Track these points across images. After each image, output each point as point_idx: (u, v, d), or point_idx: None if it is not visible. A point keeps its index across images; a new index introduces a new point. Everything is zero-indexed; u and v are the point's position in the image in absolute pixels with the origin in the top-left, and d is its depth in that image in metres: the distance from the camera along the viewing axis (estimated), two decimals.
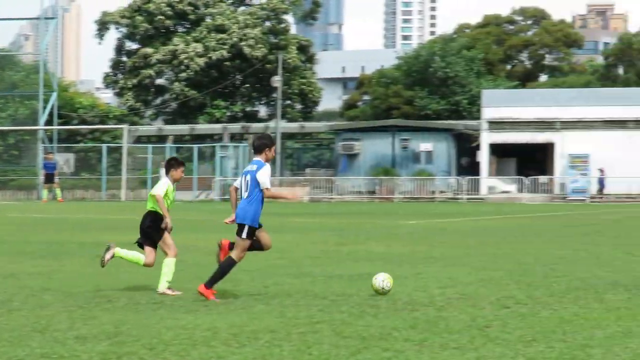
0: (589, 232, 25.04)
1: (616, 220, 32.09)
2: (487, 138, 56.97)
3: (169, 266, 12.20)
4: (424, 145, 59.67)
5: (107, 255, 12.37)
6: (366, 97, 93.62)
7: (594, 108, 55.34)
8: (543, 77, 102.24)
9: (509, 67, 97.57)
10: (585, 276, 14.26)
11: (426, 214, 37.13)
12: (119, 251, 12.45)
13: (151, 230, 12.28)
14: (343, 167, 61.18)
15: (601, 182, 54.22)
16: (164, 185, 12.35)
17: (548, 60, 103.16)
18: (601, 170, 54.06)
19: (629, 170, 53.64)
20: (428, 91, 77.35)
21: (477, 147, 58.23)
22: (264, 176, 11.47)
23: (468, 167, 60.02)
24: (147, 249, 12.36)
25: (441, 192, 56.77)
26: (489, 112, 56.99)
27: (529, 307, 11.16)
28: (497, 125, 56.74)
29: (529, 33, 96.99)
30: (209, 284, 11.49)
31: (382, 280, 12.12)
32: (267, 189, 11.47)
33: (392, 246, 20.26)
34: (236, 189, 11.83)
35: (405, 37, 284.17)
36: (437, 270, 15.32)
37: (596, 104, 55.39)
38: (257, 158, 11.67)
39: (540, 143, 56.94)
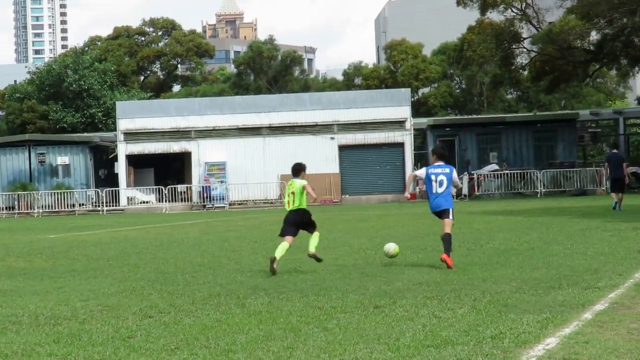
0: (228, 239, 25.60)
1: (255, 225, 33.05)
2: (123, 149, 56.72)
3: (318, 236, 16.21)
4: (61, 158, 58.41)
5: (274, 265, 15.23)
6: (0, 113, 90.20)
7: (228, 116, 56.76)
8: (176, 87, 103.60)
9: (142, 78, 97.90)
10: (226, 282, 14.58)
11: (67, 227, 36.42)
12: (278, 255, 15.45)
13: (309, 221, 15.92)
14: None
15: (206, 191, 54.99)
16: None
17: (181, 70, 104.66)
18: (206, 179, 55.27)
19: (264, 176, 55.68)
20: (62, 105, 75.95)
21: (115, 159, 57.86)
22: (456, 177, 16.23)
23: (106, 178, 59.48)
24: (290, 238, 15.79)
25: (81, 204, 55.89)
26: (124, 124, 56.76)
27: (171, 315, 11.26)
28: (132, 136, 56.65)
29: (161, 44, 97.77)
30: (447, 252, 15.34)
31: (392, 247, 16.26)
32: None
33: (33, 261, 19.74)
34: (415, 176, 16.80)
35: (37, 52, 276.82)
36: (79, 283, 15.10)
37: (230, 112, 56.83)
38: (440, 162, 16.24)
39: (176, 152, 57.54)
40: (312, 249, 16.08)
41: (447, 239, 15.54)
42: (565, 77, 58.43)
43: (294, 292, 12.90)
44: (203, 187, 55.37)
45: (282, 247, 15.73)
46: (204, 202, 54.96)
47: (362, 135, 56.04)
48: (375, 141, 55.91)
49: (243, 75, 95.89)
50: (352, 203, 54.07)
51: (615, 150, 35.12)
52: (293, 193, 15.92)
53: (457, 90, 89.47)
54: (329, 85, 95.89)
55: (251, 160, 56.33)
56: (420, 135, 61.69)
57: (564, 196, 49.92)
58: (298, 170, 16.35)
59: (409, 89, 62.09)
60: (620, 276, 13.33)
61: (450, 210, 15.83)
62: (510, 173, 52.85)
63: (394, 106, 56.24)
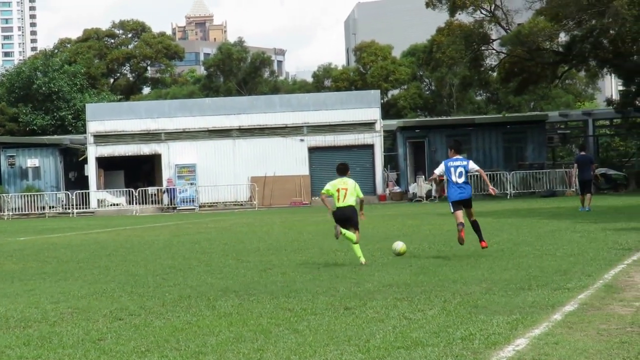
0: (199, 240, 25.54)
1: (225, 227, 33.00)
2: (93, 152, 56.46)
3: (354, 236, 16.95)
4: (30, 161, 58.08)
5: (337, 230, 16.61)
6: None
7: (198, 118, 56.65)
8: (146, 89, 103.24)
9: (112, 80, 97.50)
10: (197, 284, 14.54)
11: (37, 230, 36.19)
12: (345, 232, 16.66)
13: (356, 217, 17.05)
14: None
15: (171, 193, 55.01)
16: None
17: (150, 72, 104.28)
18: (169, 181, 55.25)
19: (235, 178, 55.61)
20: (32, 107, 75.53)
21: (85, 161, 57.58)
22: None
23: (77, 181, 59.19)
24: (354, 229, 16.89)
25: (51, 207, 55.59)
26: (94, 126, 56.50)
27: (142, 317, 11.21)
28: (102, 138, 56.40)
29: (130, 46, 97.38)
30: (482, 238, 17.72)
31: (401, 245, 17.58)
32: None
33: (3, 264, 19.65)
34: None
35: (7, 54, 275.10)
36: (49, 285, 15.02)
37: (200, 114, 56.73)
38: (457, 156, 18.00)
39: (147, 154, 57.35)
40: (360, 257, 16.79)
41: (477, 226, 17.71)
42: (534, 78, 58.71)
43: (264, 294, 12.88)
44: (167, 189, 55.19)
45: (355, 249, 16.92)
46: (169, 204, 54.79)
47: (331, 137, 56.13)
48: (345, 143, 56.02)
49: (213, 77, 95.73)
50: (322, 205, 54.02)
51: (583, 152, 35.35)
52: (346, 189, 17.02)
53: (427, 92, 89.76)
54: (299, 87, 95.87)
55: (221, 162, 56.27)
56: (390, 136, 61.85)
57: (534, 197, 50.21)
58: (345, 169, 17.55)
59: (379, 91, 62.26)
60: (590, 277, 13.41)
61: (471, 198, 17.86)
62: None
63: (364, 108, 56.39)
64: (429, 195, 51.90)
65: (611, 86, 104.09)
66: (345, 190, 17.00)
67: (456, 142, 18.82)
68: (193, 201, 54.89)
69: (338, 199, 17.06)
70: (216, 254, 20.46)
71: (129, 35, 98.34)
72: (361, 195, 17.34)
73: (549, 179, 53.00)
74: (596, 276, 13.51)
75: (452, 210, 17.60)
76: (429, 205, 47.09)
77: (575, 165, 35.20)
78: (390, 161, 60.14)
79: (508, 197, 51.42)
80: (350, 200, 16.98)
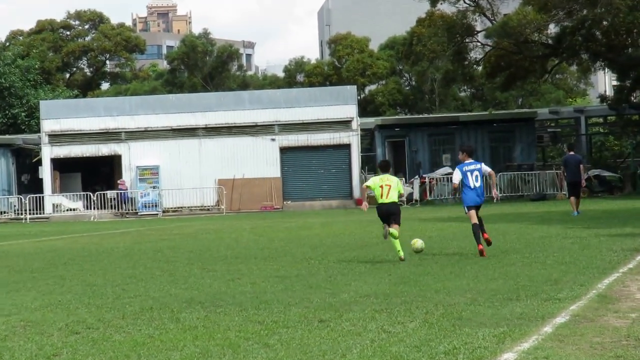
0: (162, 248, 25.47)
1: (190, 234, 32.93)
2: (48, 152, 56.18)
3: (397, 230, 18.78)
4: None
5: (385, 230, 18.70)
6: None
7: (161, 116, 56.48)
8: (105, 85, 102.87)
9: (67, 75, 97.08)
10: (160, 295, 14.50)
11: None
12: (392, 231, 18.43)
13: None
14: None
15: (123, 196, 54.83)
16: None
17: (109, 66, 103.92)
18: (121, 183, 55.10)
19: (201, 181, 55.48)
20: None
21: (39, 163, 57.29)
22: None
23: (30, 184, 58.88)
24: (396, 225, 18.69)
25: (2, 212, 55.28)
26: (48, 125, 56.22)
27: (100, 331, 11.16)
28: (58, 138, 56.12)
29: (87, 38, 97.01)
30: (484, 230, 19.15)
31: (420, 243, 19.00)
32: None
33: None
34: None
35: None
36: (0, 297, 14.91)
37: (163, 112, 56.56)
38: (470, 159, 19.36)
39: (106, 155, 57.14)
40: (400, 251, 18.45)
41: (481, 222, 18.98)
42: (522, 73, 58.92)
43: (232, 306, 12.85)
44: (118, 193, 54.94)
45: (395, 244, 18.54)
46: (121, 209, 54.54)
47: (305, 136, 56.15)
48: (319, 143, 56.05)
49: (177, 72, 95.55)
50: (295, 209, 54.12)
51: (572, 152, 35.49)
52: (389, 186, 18.87)
53: (407, 88, 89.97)
54: (270, 82, 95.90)
55: (186, 163, 56.15)
56: (367, 136, 61.95)
57: (522, 201, 50.42)
58: (387, 166, 19.77)
59: (355, 86, 62.30)
60: (582, 287, 13.46)
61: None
62: None
63: (339, 105, 56.43)
64: (409, 199, 52.01)
65: (604, 81, 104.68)
66: (388, 187, 18.85)
67: (469, 145, 20.77)
68: (156, 206, 54.75)
69: (381, 196, 18.84)
70: (180, 262, 20.41)
71: (86, 27, 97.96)
72: (402, 192, 19.32)
73: (538, 181, 53.26)
74: (589, 285, 13.57)
75: (467, 211, 19.12)
76: (410, 209, 47.19)
77: (563, 166, 35.36)
78: (368, 162, 60.23)
79: (495, 200, 51.59)
80: (393, 196, 18.86)
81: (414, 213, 40.72)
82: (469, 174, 19.04)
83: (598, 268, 15.70)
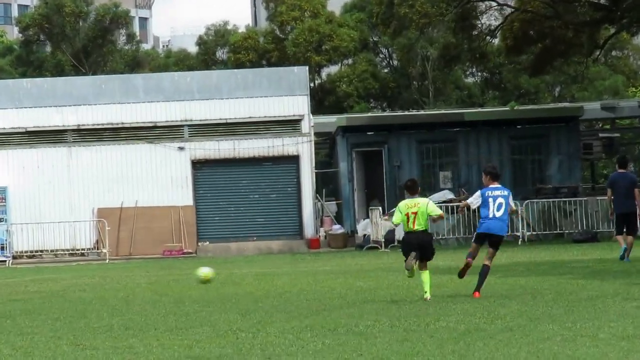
0: (12, 314, 25.28)
1: (56, 292, 32.74)
2: None
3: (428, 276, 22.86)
4: None
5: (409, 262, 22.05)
6: None
7: (10, 112, 56.29)
8: None
9: None
10: None
11: None
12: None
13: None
14: None
15: None
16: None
17: None
18: None
19: (71, 210, 55.23)
20: None
21: None
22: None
23: None
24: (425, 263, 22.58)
25: None
26: None
27: None
28: None
29: None
30: (479, 289, 22.69)
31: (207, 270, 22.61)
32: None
33: None
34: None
35: None
36: None
37: (13, 106, 56.42)
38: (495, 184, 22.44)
39: None
40: (427, 292, 22.36)
41: (484, 274, 22.33)
42: (562, 47, 59.16)
43: None
44: None
45: (424, 281, 22.35)
46: None
47: (229, 143, 56.10)
48: (251, 153, 56.10)
49: (33, 44, 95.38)
50: (215, 254, 54.05)
51: (622, 170, 35.61)
52: (415, 213, 21.89)
53: (385, 71, 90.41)
54: (176, 61, 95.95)
55: (49, 184, 55.91)
56: (326, 142, 62.07)
57: (562, 242, 50.63)
58: (415, 187, 22.59)
59: (306, 68, 62.26)
60: None
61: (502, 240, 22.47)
62: None
63: (283, 96, 56.57)
64: (389, 239, 51.92)
65: None
66: (414, 215, 21.84)
67: (493, 166, 23.92)
68: (3, 248, 54.42)
69: (407, 224, 22.01)
70: (41, 335, 20.27)
71: None
72: (436, 213, 22.29)
73: (585, 213, 53.31)
74: None
75: (473, 241, 22.45)
76: (388, 254, 47.25)
77: (610, 189, 35.44)
78: (327, 183, 60.34)
79: (520, 242, 51.81)
80: (423, 223, 21.93)
81: (394, 261, 40.64)
82: (490, 200, 21.74)
83: None
